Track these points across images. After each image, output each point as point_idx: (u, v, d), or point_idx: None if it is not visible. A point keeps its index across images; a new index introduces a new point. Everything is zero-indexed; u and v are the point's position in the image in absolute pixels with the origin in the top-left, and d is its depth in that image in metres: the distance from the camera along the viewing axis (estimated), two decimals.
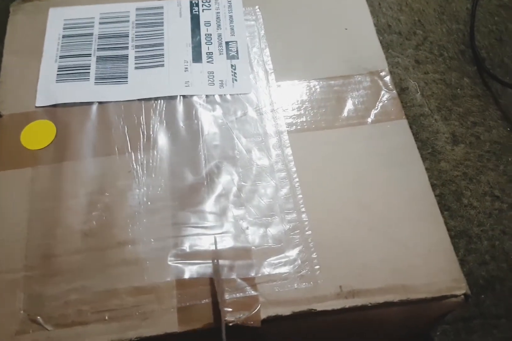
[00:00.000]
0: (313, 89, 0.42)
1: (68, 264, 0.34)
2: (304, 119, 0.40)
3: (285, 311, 0.32)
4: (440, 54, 0.60)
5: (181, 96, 0.41)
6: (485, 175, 0.53)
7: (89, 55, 0.43)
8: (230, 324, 0.31)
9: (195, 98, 0.41)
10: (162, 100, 0.41)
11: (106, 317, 0.32)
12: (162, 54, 0.43)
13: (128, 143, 0.39)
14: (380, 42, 0.46)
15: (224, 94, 0.41)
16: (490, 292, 0.48)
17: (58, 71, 0.42)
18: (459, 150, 0.55)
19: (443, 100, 0.57)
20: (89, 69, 0.42)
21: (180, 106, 0.41)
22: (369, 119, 0.40)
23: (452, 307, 0.34)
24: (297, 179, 0.37)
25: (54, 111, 0.40)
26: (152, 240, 0.35)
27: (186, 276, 0.33)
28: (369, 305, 0.32)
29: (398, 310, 0.34)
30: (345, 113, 0.40)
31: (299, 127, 0.40)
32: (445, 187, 0.53)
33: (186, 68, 0.43)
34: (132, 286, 0.33)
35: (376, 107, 0.41)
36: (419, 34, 0.62)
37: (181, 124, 0.40)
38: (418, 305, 0.33)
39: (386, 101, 0.41)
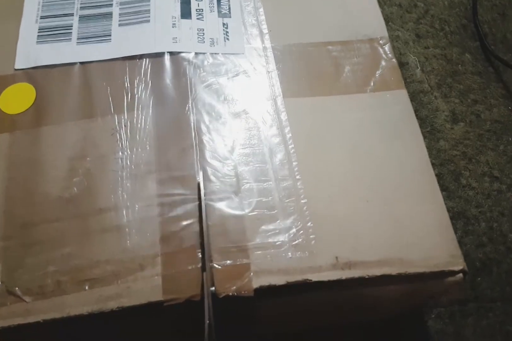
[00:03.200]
0: (311, 54, 0.42)
1: (47, 233, 0.34)
2: (300, 84, 0.40)
3: (279, 280, 0.32)
4: (442, 28, 0.62)
5: (168, 53, 0.41)
6: (484, 155, 0.55)
7: (72, 14, 0.43)
8: (221, 296, 0.31)
9: (183, 56, 0.41)
10: (147, 58, 0.41)
11: (86, 287, 0.32)
12: (148, 10, 0.43)
13: (111, 104, 0.39)
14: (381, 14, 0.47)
15: (215, 53, 0.41)
16: (487, 275, 0.50)
17: (38, 32, 0.42)
18: (459, 129, 0.56)
19: (444, 77, 0.58)
20: (71, 29, 0.42)
21: (167, 64, 0.40)
22: (368, 88, 0.41)
23: (450, 285, 0.35)
24: (292, 145, 0.37)
25: (34, 73, 0.40)
26: (137, 206, 0.35)
27: (172, 242, 0.33)
28: (366, 277, 0.32)
29: (395, 288, 0.34)
30: (343, 81, 0.41)
31: (295, 92, 0.40)
32: (443, 167, 0.54)
33: (174, 24, 0.42)
34: (114, 254, 0.33)
35: (376, 76, 0.41)
36: (420, 7, 0.63)
37: (168, 82, 0.39)
38: (415, 283, 0.34)
39: (386, 70, 0.42)
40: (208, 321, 0.29)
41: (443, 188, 0.53)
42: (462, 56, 0.60)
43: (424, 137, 0.55)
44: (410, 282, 0.34)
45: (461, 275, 0.34)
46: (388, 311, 0.43)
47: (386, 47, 0.43)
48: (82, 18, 0.43)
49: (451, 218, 0.52)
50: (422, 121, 0.56)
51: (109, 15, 0.43)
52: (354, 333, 0.47)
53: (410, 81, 0.58)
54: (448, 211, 0.52)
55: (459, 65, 0.59)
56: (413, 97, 0.57)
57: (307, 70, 0.41)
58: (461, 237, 0.51)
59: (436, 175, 0.54)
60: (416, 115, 0.57)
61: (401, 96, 0.41)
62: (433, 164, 0.54)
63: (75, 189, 0.35)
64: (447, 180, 0.54)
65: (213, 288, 0.31)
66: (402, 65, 0.59)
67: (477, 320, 0.48)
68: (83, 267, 0.33)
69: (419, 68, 0.59)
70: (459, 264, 0.34)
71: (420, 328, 0.47)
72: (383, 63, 0.42)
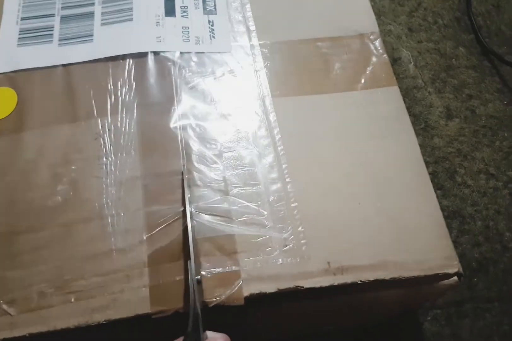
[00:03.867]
0: (299, 50, 0.42)
1: (31, 243, 0.33)
2: (289, 83, 0.40)
3: (270, 288, 0.32)
4: (435, 21, 0.61)
5: (152, 53, 0.40)
6: (480, 152, 0.54)
7: (53, 15, 0.42)
8: (211, 305, 0.31)
9: (167, 55, 0.40)
10: (130, 58, 0.40)
11: (72, 299, 0.31)
12: (131, 8, 0.42)
13: (94, 107, 0.38)
14: (372, 8, 0.46)
15: (201, 52, 0.41)
16: (483, 275, 0.50)
17: (19, 34, 0.41)
18: (454, 125, 0.56)
19: (437, 72, 0.58)
20: (52, 30, 0.41)
21: (151, 64, 0.40)
22: (359, 86, 0.40)
23: (445, 288, 0.35)
24: (281, 147, 0.37)
25: (15, 77, 0.39)
26: (122, 213, 0.34)
27: (159, 252, 0.33)
28: (359, 282, 0.32)
29: (389, 291, 0.34)
30: (333, 78, 0.40)
31: (284, 91, 0.39)
32: (438, 165, 0.54)
33: (158, 22, 0.42)
34: (100, 265, 0.33)
35: (366, 73, 0.41)
36: (413, 0, 0.62)
37: (153, 84, 0.39)
38: (409, 286, 0.34)
39: (377, 66, 0.41)
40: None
41: (438, 186, 0.53)
42: (456, 50, 0.59)
43: (418, 134, 0.55)
44: (405, 285, 0.34)
45: (456, 278, 0.34)
46: (383, 314, 0.43)
47: (377, 43, 0.43)
48: (63, 18, 0.42)
49: (447, 217, 0.52)
50: (416, 118, 0.56)
51: (91, 15, 0.42)
52: (349, 337, 0.47)
53: (403, 76, 0.58)
54: (444, 210, 0.52)
55: (453, 60, 0.59)
56: (406, 93, 0.57)
57: (296, 68, 0.41)
58: (456, 236, 0.51)
59: (431, 173, 0.54)
60: (410, 112, 0.57)
61: (393, 93, 0.40)
62: (427, 162, 0.54)
63: (59, 197, 0.35)
64: (442, 178, 0.53)
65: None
66: (394, 60, 0.59)
67: (473, 321, 0.48)
68: (68, 279, 0.32)
69: (412, 63, 0.58)
70: (453, 267, 0.33)
71: (416, 331, 0.47)
72: (374, 59, 0.42)
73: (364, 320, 0.44)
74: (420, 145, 0.38)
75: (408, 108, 0.56)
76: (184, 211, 0.34)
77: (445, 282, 0.34)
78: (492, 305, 0.48)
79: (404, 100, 0.41)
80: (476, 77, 0.58)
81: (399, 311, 0.43)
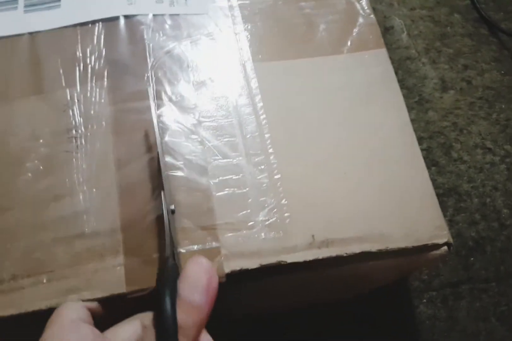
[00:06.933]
0: (281, 11, 0.42)
1: (0, 223, 0.33)
2: (271, 46, 0.40)
3: (252, 264, 0.32)
4: None
5: (123, 17, 0.40)
6: (476, 125, 0.55)
7: None
8: None
9: (140, 19, 0.40)
10: (100, 23, 0.40)
11: (44, 280, 0.32)
12: None
13: (62, 77, 0.38)
14: None
15: (176, 14, 0.41)
16: (480, 255, 0.51)
17: None
18: (449, 97, 0.56)
19: (432, 41, 0.59)
20: None
21: (122, 29, 0.40)
22: (345, 49, 0.40)
23: (435, 258, 0.35)
24: (264, 116, 0.37)
25: None
26: (94, 189, 0.34)
27: (134, 229, 0.33)
28: (345, 255, 0.33)
29: (377, 263, 0.34)
30: (317, 41, 0.41)
31: (265, 56, 0.40)
32: (432, 140, 0.55)
33: None
34: (72, 243, 0.33)
35: (353, 34, 0.41)
36: None
37: (124, 50, 0.39)
38: (397, 257, 0.34)
39: (363, 28, 0.41)
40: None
41: (433, 162, 0.54)
42: (451, 17, 0.60)
43: (412, 108, 0.55)
44: (393, 256, 0.34)
45: (445, 247, 0.34)
46: (375, 283, 0.43)
47: (363, 2, 0.43)
48: None
49: (442, 195, 0.53)
50: (409, 91, 0.56)
51: None
52: (344, 318, 0.48)
53: (395, 47, 0.58)
54: (439, 187, 0.53)
55: (448, 27, 0.59)
56: (399, 65, 0.57)
57: (279, 31, 0.41)
58: (452, 215, 0.52)
59: (425, 149, 0.54)
60: (403, 84, 0.58)
61: (381, 56, 0.41)
62: (422, 137, 0.55)
63: (30, 174, 0.35)
64: (437, 154, 0.54)
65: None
66: (386, 30, 0.59)
67: (470, 303, 0.49)
68: (39, 259, 0.32)
69: (405, 33, 0.59)
70: (443, 237, 0.34)
71: (412, 315, 0.48)
72: (361, 19, 0.42)
73: (356, 291, 0.45)
74: (414, 120, 0.39)
75: (401, 80, 0.57)
76: (161, 185, 0.34)
77: (435, 252, 0.34)
78: (489, 286, 0.50)
79: (397, 73, 0.42)
80: (472, 46, 0.58)
81: (392, 280, 0.44)
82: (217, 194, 0.34)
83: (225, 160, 0.35)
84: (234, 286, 0.32)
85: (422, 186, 0.36)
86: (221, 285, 0.30)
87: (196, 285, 0.28)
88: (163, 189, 0.32)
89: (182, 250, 0.32)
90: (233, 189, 0.34)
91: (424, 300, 0.49)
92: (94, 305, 0.31)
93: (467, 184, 0.53)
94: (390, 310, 0.49)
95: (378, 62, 0.40)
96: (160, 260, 0.32)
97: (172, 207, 0.32)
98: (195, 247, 0.33)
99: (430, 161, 0.54)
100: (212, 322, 0.29)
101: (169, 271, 0.29)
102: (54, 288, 0.32)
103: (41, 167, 0.35)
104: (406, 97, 0.43)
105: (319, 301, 0.47)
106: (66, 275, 0.32)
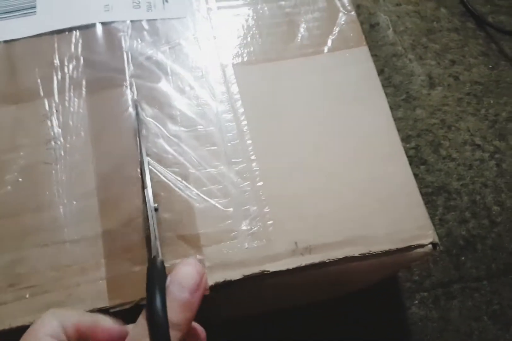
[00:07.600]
0: (261, 11, 0.42)
1: None
2: (251, 49, 0.40)
3: (235, 275, 0.32)
4: None
5: (100, 24, 0.40)
6: (464, 121, 0.55)
7: None
8: None
9: (117, 25, 0.40)
10: (77, 31, 0.39)
11: (27, 295, 0.32)
12: None
13: (40, 87, 0.38)
14: None
15: (153, 19, 0.40)
16: (471, 253, 0.51)
17: None
18: (436, 94, 0.56)
19: (418, 36, 0.58)
20: None
21: (99, 36, 0.39)
22: (326, 48, 0.40)
23: (420, 256, 0.35)
24: (245, 122, 0.37)
25: None
26: (75, 202, 0.34)
27: (116, 242, 0.33)
28: (327, 261, 0.33)
29: (361, 264, 0.35)
30: (298, 41, 0.40)
31: (245, 59, 0.39)
32: (421, 138, 0.55)
33: None
34: (53, 257, 0.33)
35: (334, 33, 0.41)
36: None
37: (102, 57, 0.39)
38: (381, 258, 0.34)
39: (344, 25, 0.41)
40: None
41: (421, 161, 0.54)
42: (437, 12, 0.60)
43: (399, 106, 0.55)
44: (376, 257, 0.34)
45: (430, 246, 0.34)
46: (360, 283, 0.44)
47: None
48: None
49: (431, 194, 0.53)
50: (396, 88, 0.56)
51: None
52: (337, 319, 0.48)
53: (382, 44, 0.58)
54: (428, 186, 0.53)
55: (434, 22, 0.59)
56: (385, 62, 0.57)
57: (259, 32, 0.41)
58: (442, 214, 0.52)
59: (414, 148, 0.54)
60: (390, 82, 0.58)
61: (362, 54, 0.40)
62: (409, 136, 0.55)
63: (9, 187, 0.35)
64: (426, 152, 0.54)
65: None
66: (372, 26, 0.59)
67: (462, 302, 0.49)
68: (21, 273, 0.32)
69: (391, 29, 0.59)
70: (428, 237, 0.34)
71: (404, 316, 0.49)
72: (342, 17, 0.42)
73: (343, 290, 0.45)
74: (401, 118, 0.39)
75: (387, 78, 0.56)
76: (143, 198, 0.34)
77: (419, 250, 0.34)
78: (481, 284, 0.50)
79: (383, 70, 0.42)
80: (459, 40, 0.58)
81: (379, 278, 0.44)
82: (200, 206, 0.34)
83: (206, 170, 0.35)
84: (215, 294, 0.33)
85: (406, 184, 0.36)
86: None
87: (186, 283, 0.29)
88: (146, 187, 0.33)
89: (166, 264, 0.32)
90: (215, 200, 0.34)
91: (416, 301, 0.50)
92: (79, 316, 0.30)
93: (457, 181, 0.53)
94: (382, 312, 0.49)
95: (359, 60, 0.40)
96: (148, 260, 0.32)
97: (155, 205, 0.33)
98: (179, 260, 0.33)
99: (419, 160, 0.54)
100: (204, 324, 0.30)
101: (157, 269, 0.30)
102: (37, 303, 0.32)
103: (20, 179, 0.35)
104: (393, 95, 0.43)
105: (305, 301, 0.47)
106: (49, 290, 0.32)
